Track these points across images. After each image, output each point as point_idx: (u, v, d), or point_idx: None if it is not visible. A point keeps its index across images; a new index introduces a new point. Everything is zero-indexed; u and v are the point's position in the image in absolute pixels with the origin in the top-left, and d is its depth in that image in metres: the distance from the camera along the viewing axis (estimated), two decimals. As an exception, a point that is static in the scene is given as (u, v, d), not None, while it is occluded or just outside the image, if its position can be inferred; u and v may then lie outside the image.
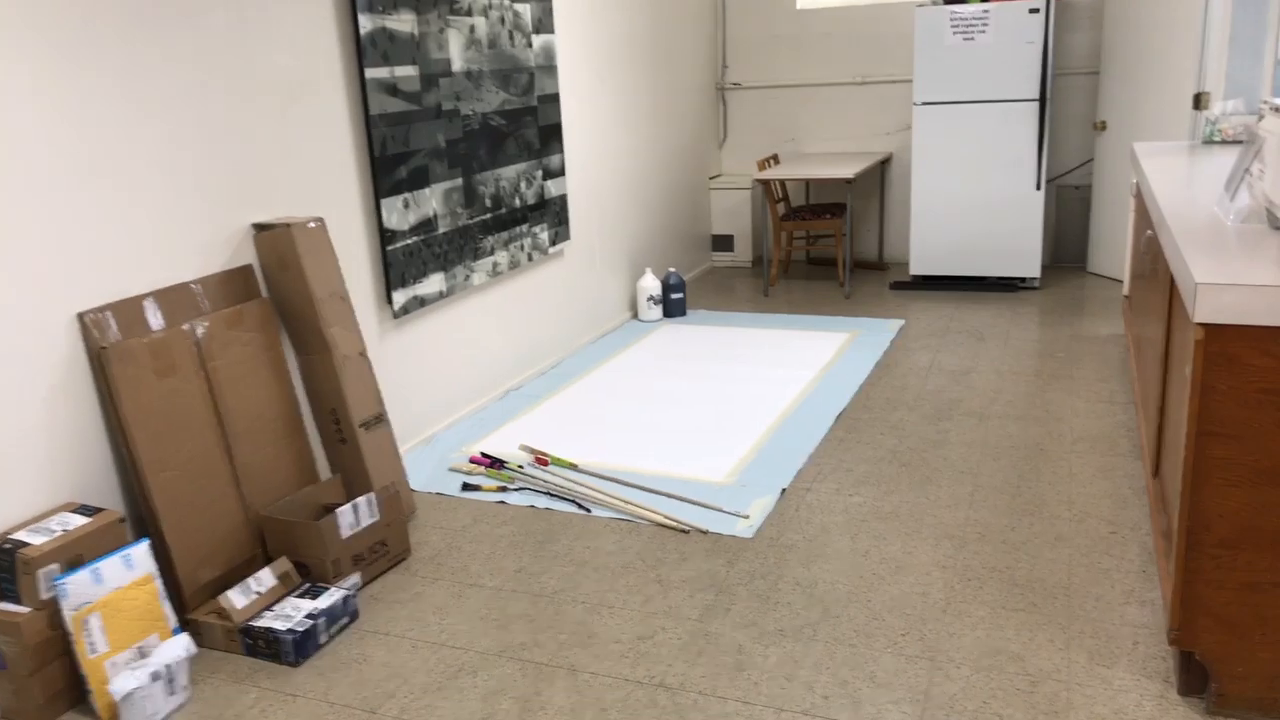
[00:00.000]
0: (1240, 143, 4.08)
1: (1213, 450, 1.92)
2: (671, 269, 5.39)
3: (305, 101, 3.05)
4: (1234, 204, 2.54)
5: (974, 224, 5.56)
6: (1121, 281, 5.55)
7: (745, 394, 4.06)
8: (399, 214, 3.44)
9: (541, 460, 3.45)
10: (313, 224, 2.88)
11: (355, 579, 2.67)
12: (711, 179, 6.56)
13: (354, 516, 2.66)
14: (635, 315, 5.40)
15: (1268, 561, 1.94)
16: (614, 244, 5.18)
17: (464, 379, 3.94)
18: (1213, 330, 1.87)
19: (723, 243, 6.65)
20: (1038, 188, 5.39)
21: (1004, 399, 3.87)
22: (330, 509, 2.81)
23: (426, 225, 3.59)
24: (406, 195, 3.47)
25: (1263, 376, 1.86)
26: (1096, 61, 5.71)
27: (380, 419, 3.00)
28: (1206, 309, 1.86)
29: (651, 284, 5.29)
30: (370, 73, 3.27)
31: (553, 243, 4.47)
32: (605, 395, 4.14)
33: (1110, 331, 4.69)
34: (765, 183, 5.70)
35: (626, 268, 5.34)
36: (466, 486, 3.29)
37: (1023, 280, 5.63)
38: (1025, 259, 5.51)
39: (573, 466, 3.42)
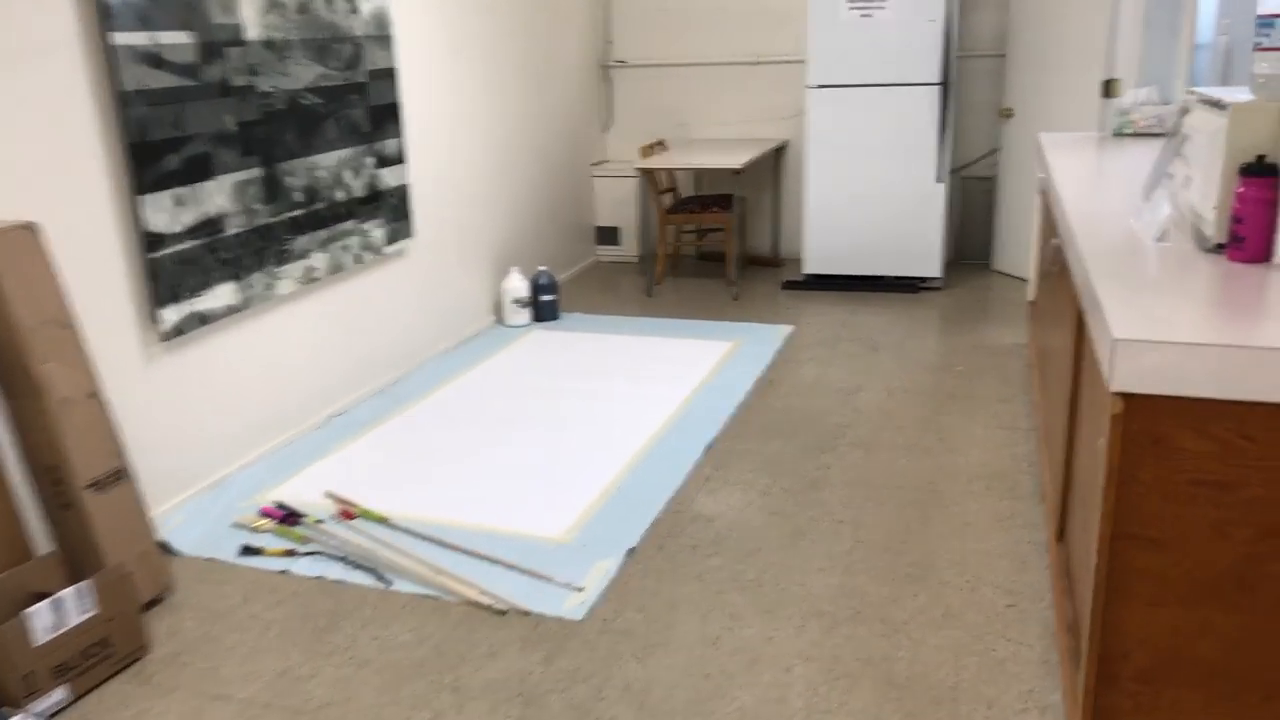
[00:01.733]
0: (1154, 135, 3.68)
1: (1133, 559, 1.44)
2: (542, 267, 4.82)
3: (17, 74, 2.39)
4: (1153, 215, 2.08)
5: (871, 219, 5.11)
6: (1026, 281, 5.18)
7: (607, 418, 3.53)
8: (168, 213, 2.80)
9: (347, 514, 2.87)
10: (21, 229, 2.24)
11: (57, 696, 2.06)
12: (595, 165, 6.00)
13: (54, 615, 2.06)
14: (500, 320, 4.83)
15: (1199, 701, 1.48)
16: (475, 239, 4.59)
17: (270, 406, 3.33)
18: (1135, 403, 1.39)
19: (608, 235, 6.10)
20: (939, 179, 4.96)
21: (894, 424, 3.42)
22: (42, 598, 2.19)
23: (209, 226, 2.95)
24: (179, 190, 2.83)
25: (1197, 464, 1.39)
26: (1003, 44, 5.30)
27: (118, 476, 2.39)
28: (1126, 374, 1.38)
29: (518, 285, 4.71)
30: (121, 38, 2.62)
31: (390, 241, 3.86)
32: (443, 421, 3.57)
33: (1014, 340, 4.28)
34: (648, 172, 5.17)
35: (490, 266, 4.76)
36: (247, 550, 2.69)
37: (923, 280, 5.21)
38: (926, 257, 5.09)
39: (383, 520, 2.84)
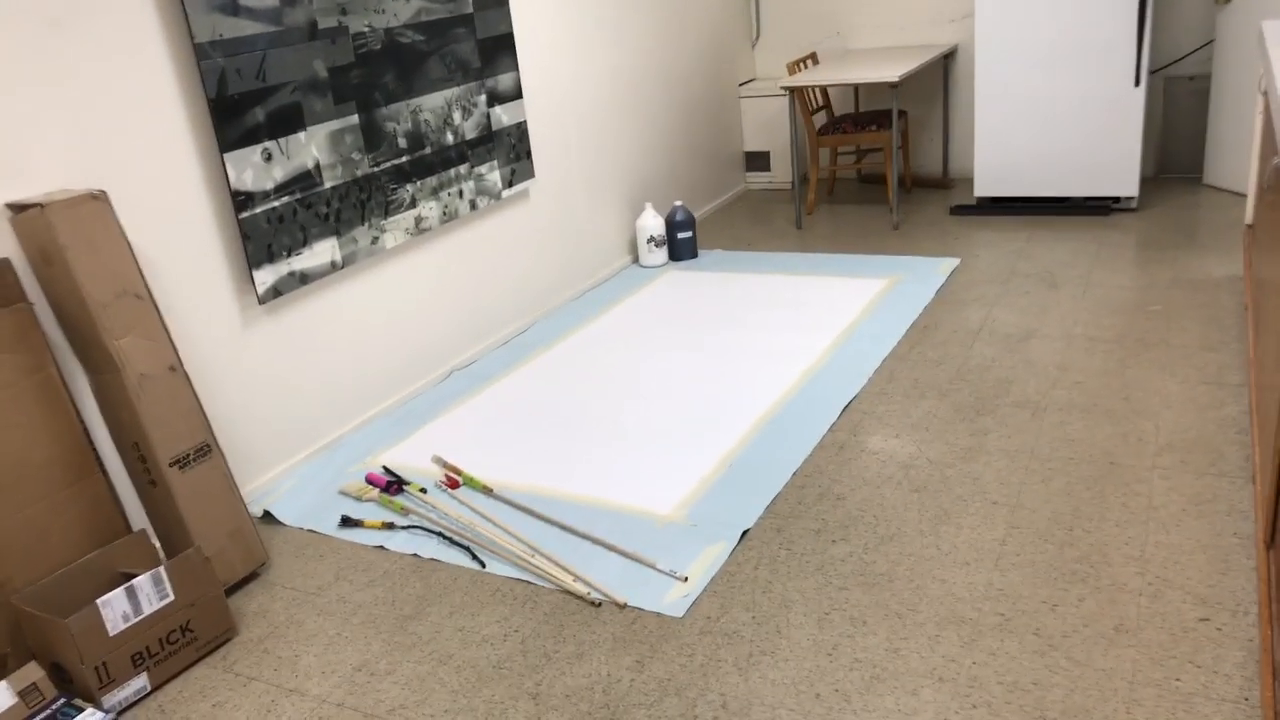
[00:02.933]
0: None
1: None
2: (678, 202, 4.50)
3: (83, 26, 2.28)
4: None
5: (1055, 131, 4.46)
6: (1245, 198, 4.41)
7: (737, 373, 3.21)
8: (257, 170, 2.67)
9: (452, 481, 2.71)
10: (87, 200, 2.14)
11: (136, 685, 2.00)
12: (741, 85, 5.57)
13: (129, 603, 1.98)
14: (636, 259, 4.56)
15: None
16: (605, 175, 4.31)
17: (382, 364, 3.21)
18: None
19: (758, 161, 5.68)
20: (1137, 83, 4.26)
21: (1070, 379, 2.93)
22: (132, 578, 2.14)
23: (304, 180, 2.81)
24: (267, 145, 2.69)
25: None
26: (1221, -87, 4.45)
27: (205, 452, 2.30)
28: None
29: (653, 223, 4.42)
30: (196, -15, 2.47)
31: (509, 184, 3.64)
32: (563, 376, 3.35)
33: (1226, 272, 3.63)
34: (797, 90, 4.71)
35: (624, 203, 4.48)
36: (346, 522, 2.58)
37: (1116, 200, 4.54)
38: (1120, 173, 4.41)
39: (487, 491, 2.67)
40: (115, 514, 2.25)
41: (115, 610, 1.96)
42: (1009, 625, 1.94)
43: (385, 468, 2.83)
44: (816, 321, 3.57)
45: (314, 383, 2.95)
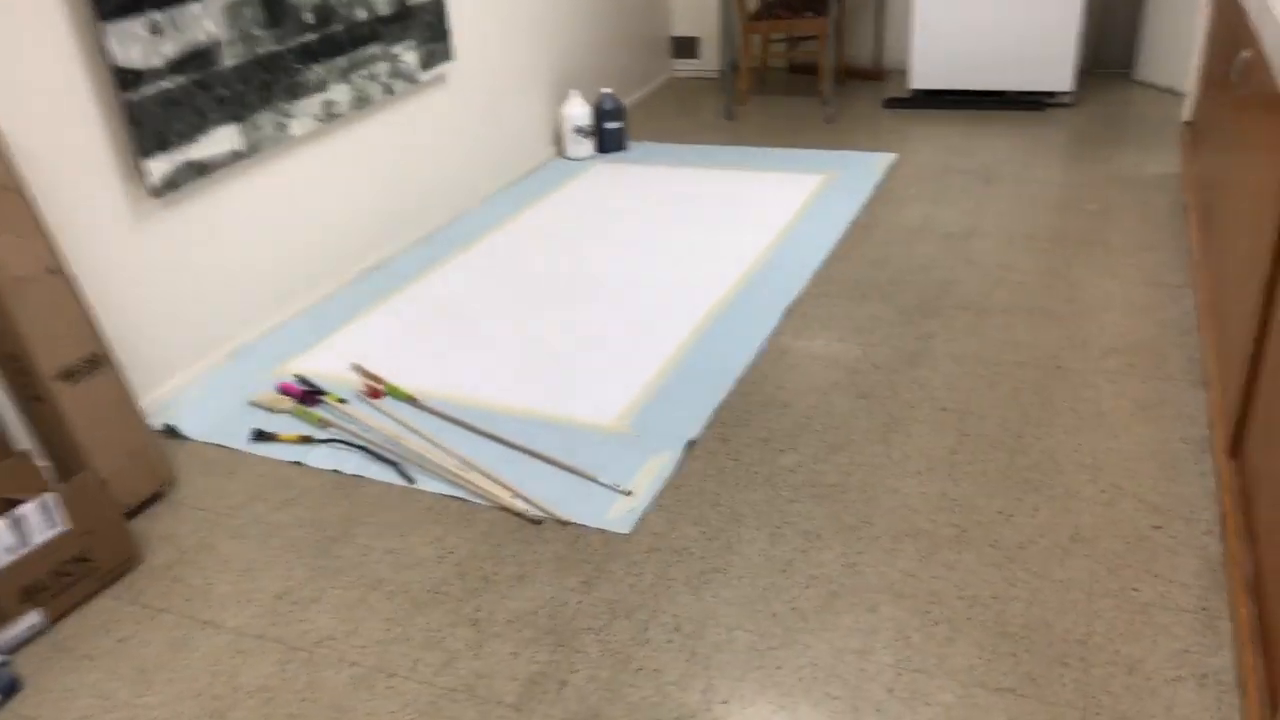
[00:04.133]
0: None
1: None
2: (606, 90, 4.25)
3: None
4: None
5: (991, 22, 4.33)
6: (1181, 96, 4.38)
7: (673, 273, 3.07)
8: (143, 44, 2.36)
9: (374, 391, 2.53)
10: (-62, 74, 1.84)
11: (29, 621, 1.82)
12: (669, -34, 5.26)
13: (15, 535, 1.78)
14: (561, 151, 4.32)
15: None
16: (528, 59, 4.03)
17: (292, 263, 2.97)
18: None
19: (685, 47, 5.43)
20: (1079, -28, 4.13)
21: (1012, 279, 2.87)
22: (18, 504, 1.93)
23: (199, 59, 2.51)
24: (154, 16, 2.38)
25: None
26: None
27: (96, 363, 2.07)
28: None
29: (579, 111, 4.17)
30: None
31: (426, 65, 3.36)
32: (487, 276, 3.16)
33: (1160, 170, 3.60)
34: (728, -28, 4.45)
35: (549, 90, 4.21)
36: (260, 436, 2.39)
37: (1051, 96, 4.46)
38: (1055, 67, 4.32)
39: (412, 401, 2.50)
40: (-5, 433, 2.03)
41: (0, 542, 1.76)
42: (965, 537, 1.88)
43: (299, 376, 2.63)
44: (753, 219, 3.44)
45: (217, 283, 2.70)
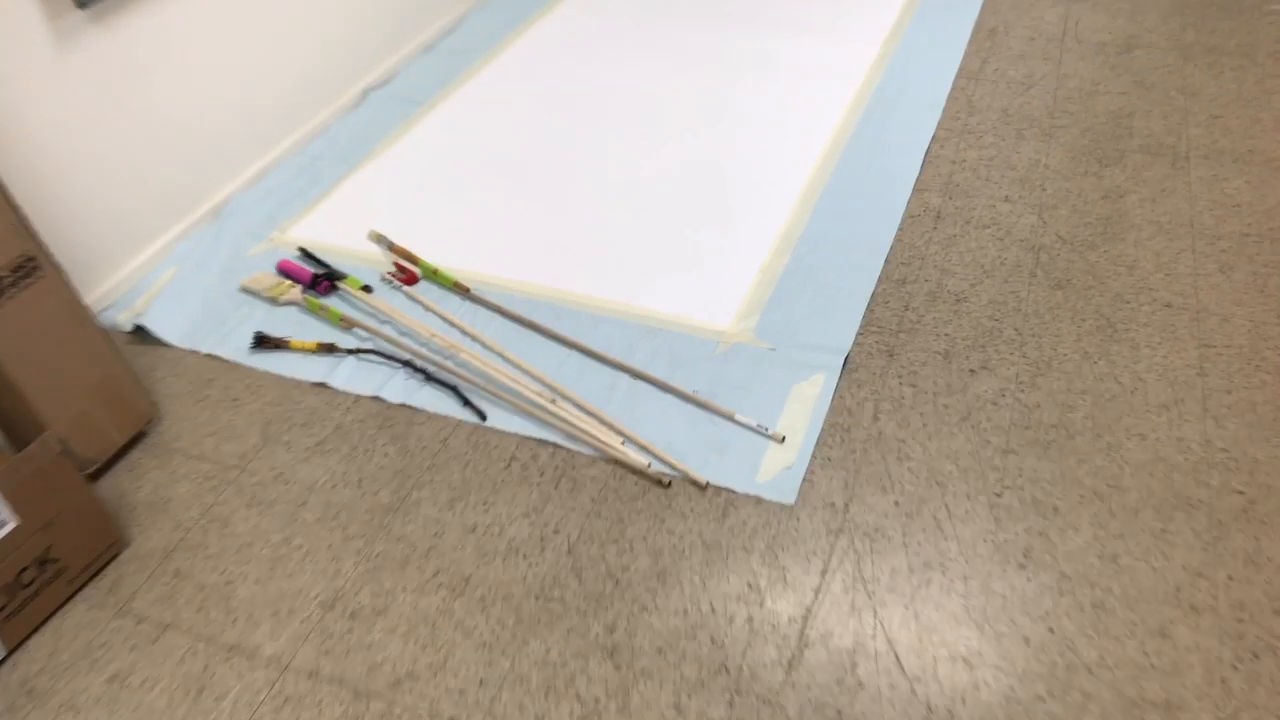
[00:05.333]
0: None
1: None
2: None
3: None
4: None
5: None
6: None
7: (764, 110, 2.40)
8: None
9: (407, 274, 1.93)
10: None
11: (-20, 663, 1.30)
12: None
13: (-59, 552, 1.23)
14: (583, -77, 3.46)
15: None
16: None
17: (273, 87, 2.26)
18: None
19: None
20: None
21: (1203, 110, 2.26)
22: (-61, 477, 1.36)
23: None
24: None
25: None
26: None
27: (29, 268, 1.44)
28: None
29: None
30: None
31: None
32: (520, 99, 2.47)
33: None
34: None
35: None
36: (262, 342, 1.80)
37: None
38: None
39: (459, 289, 1.90)
40: (-105, 372, 1.42)
41: (-80, 565, 1.21)
42: (1256, 511, 1.40)
43: (303, 251, 2.01)
44: (847, 25, 2.73)
45: (175, 123, 2.02)
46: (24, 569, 1.32)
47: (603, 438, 1.55)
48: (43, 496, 1.33)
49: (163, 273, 1.98)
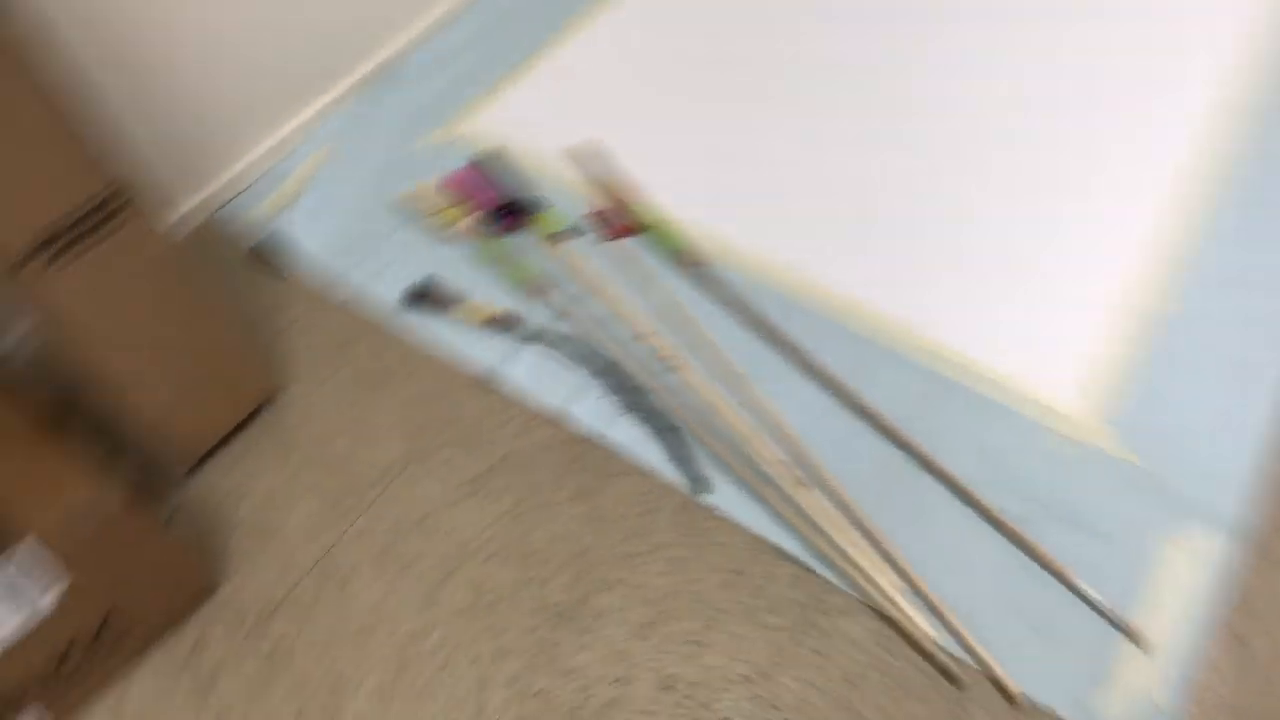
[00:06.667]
0: None
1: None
2: None
3: None
4: None
5: None
6: None
7: (1076, 85, 1.70)
8: None
9: (620, 227, 1.41)
10: None
11: (8, 761, 0.97)
12: None
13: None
14: None
15: None
16: None
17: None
18: None
19: None
20: None
21: None
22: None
23: None
24: None
25: None
26: None
27: (115, 207, 0.99)
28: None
29: None
30: None
31: None
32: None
33: None
34: None
35: None
36: (419, 298, 1.35)
37: None
38: None
39: (688, 259, 1.38)
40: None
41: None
42: None
43: (482, 157, 1.50)
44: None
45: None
46: (65, 654, 0.97)
47: (871, 572, 1.07)
48: (97, 547, 0.95)
49: (306, 157, 1.52)
